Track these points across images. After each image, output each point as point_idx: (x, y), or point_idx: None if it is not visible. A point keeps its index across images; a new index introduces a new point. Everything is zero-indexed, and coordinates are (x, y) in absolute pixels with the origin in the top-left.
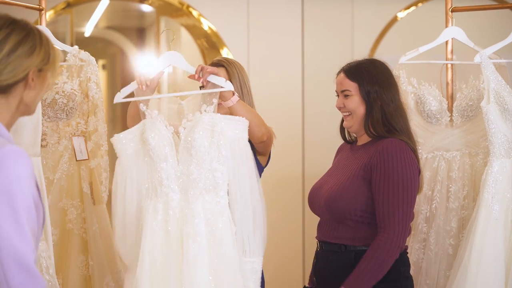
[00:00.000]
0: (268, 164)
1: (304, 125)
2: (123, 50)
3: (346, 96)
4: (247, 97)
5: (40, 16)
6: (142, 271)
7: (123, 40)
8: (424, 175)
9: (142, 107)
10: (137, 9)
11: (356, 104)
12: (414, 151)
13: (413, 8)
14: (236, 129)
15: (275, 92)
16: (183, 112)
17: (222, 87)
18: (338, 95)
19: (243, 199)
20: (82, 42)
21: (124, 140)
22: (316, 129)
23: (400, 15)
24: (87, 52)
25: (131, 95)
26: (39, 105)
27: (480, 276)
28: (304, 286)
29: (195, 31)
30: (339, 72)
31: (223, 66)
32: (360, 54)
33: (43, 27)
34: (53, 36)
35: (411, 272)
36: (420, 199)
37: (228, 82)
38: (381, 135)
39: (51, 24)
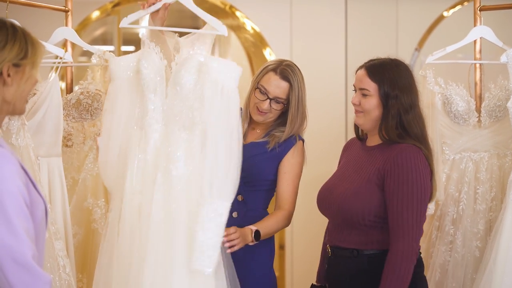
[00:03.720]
0: (309, 165)
1: (347, 125)
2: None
3: (364, 95)
4: (299, 114)
5: (66, 17)
6: (125, 199)
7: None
8: (451, 176)
9: (142, 36)
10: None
11: (373, 106)
12: (427, 158)
13: (459, 7)
14: (226, 73)
15: (318, 92)
16: (179, 47)
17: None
18: (355, 90)
19: (218, 143)
20: (138, 43)
21: (122, 64)
22: None
23: (446, 14)
24: (112, 53)
25: (136, 22)
26: (60, 105)
27: (505, 279)
28: (312, 284)
29: (240, 31)
30: (360, 67)
31: (288, 81)
32: (405, 53)
33: (67, 28)
34: (78, 37)
35: (437, 274)
36: (447, 200)
37: (223, 26)
38: (393, 140)
39: (99, 25)
